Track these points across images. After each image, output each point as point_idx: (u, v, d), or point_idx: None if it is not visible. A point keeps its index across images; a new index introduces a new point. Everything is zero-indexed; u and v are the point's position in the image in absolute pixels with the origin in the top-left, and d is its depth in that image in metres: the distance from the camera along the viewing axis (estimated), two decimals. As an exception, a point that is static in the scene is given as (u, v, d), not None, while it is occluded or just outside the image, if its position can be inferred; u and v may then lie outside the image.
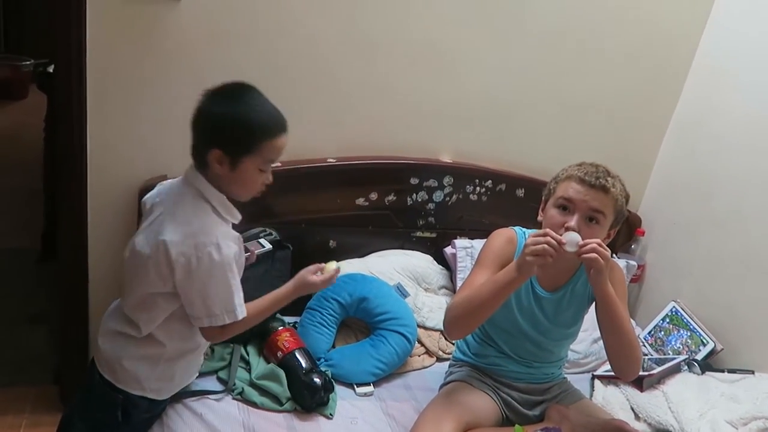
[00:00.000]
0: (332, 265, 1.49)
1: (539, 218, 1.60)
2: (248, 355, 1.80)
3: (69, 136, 1.83)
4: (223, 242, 1.31)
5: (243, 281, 1.82)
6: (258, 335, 1.83)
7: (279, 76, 1.94)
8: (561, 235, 1.43)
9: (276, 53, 1.92)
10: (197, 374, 1.60)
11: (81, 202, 1.91)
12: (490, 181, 2.24)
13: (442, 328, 2.04)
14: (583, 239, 1.44)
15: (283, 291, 1.45)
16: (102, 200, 1.92)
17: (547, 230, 1.43)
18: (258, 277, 1.88)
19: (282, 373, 1.70)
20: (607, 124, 2.34)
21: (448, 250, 2.23)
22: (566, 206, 1.51)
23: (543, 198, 1.61)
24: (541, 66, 2.19)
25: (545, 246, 1.38)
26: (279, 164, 2.01)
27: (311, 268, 1.48)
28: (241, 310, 1.36)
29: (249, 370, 1.75)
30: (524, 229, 1.66)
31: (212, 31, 1.84)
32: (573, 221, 1.48)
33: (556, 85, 2.24)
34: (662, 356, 2.14)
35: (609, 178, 1.50)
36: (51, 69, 2.40)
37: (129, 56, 1.81)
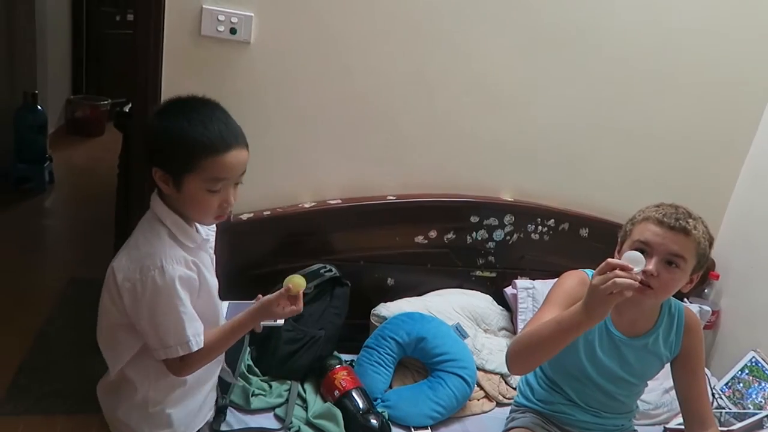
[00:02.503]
0: (299, 286, 1.30)
1: None
2: (305, 392, 1.79)
3: (141, 172, 1.91)
4: (168, 266, 1.20)
5: (299, 318, 1.84)
6: (315, 372, 1.83)
7: (342, 116, 1.98)
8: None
9: (339, 93, 1.95)
10: (211, 411, 1.51)
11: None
12: (552, 220, 2.19)
13: (502, 372, 1.99)
14: (662, 284, 1.38)
15: (244, 318, 1.31)
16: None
17: (608, 261, 1.23)
18: (317, 313, 1.89)
19: (339, 413, 1.68)
20: (677, 162, 2.25)
21: (509, 290, 2.17)
22: (643, 249, 1.40)
23: (618, 240, 1.53)
24: (606, 101, 2.14)
25: (616, 280, 1.19)
26: (339, 201, 2.05)
27: (273, 298, 1.29)
28: (197, 340, 1.24)
29: (306, 408, 1.73)
30: None
31: (279, 72, 1.90)
32: (651, 265, 1.38)
33: (621, 121, 2.18)
34: (742, 410, 2.00)
35: (690, 220, 1.41)
36: (127, 108, 2.52)
37: (200, 96, 1.89)
